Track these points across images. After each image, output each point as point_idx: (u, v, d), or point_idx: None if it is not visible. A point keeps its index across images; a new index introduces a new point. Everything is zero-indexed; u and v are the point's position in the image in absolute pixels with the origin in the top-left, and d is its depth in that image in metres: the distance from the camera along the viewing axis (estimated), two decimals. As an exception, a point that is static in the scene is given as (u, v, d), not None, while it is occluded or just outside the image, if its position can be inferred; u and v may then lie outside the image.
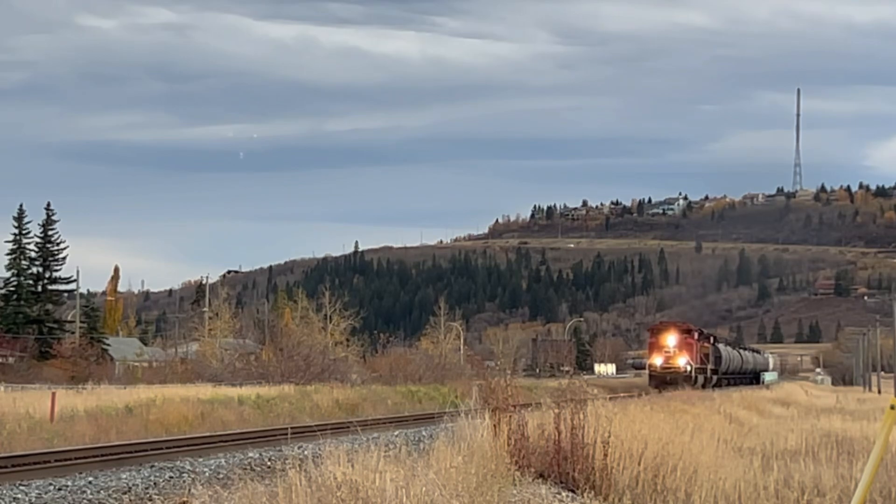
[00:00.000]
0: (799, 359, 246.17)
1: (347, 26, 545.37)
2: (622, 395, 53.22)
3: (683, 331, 77.62)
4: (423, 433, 30.12)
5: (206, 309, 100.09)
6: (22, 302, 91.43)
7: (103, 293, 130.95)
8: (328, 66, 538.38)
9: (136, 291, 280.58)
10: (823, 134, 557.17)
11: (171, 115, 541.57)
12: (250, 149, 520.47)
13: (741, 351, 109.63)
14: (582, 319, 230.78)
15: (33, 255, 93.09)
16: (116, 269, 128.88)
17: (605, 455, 17.96)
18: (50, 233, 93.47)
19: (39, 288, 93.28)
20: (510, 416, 18.37)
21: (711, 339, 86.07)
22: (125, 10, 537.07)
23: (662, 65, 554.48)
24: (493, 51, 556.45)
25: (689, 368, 74.15)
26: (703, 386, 74.58)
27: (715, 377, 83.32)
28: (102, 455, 24.71)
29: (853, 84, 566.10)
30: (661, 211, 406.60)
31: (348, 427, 28.27)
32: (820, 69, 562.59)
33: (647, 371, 76.90)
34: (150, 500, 18.79)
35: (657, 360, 75.35)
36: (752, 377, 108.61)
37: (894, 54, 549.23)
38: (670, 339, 75.46)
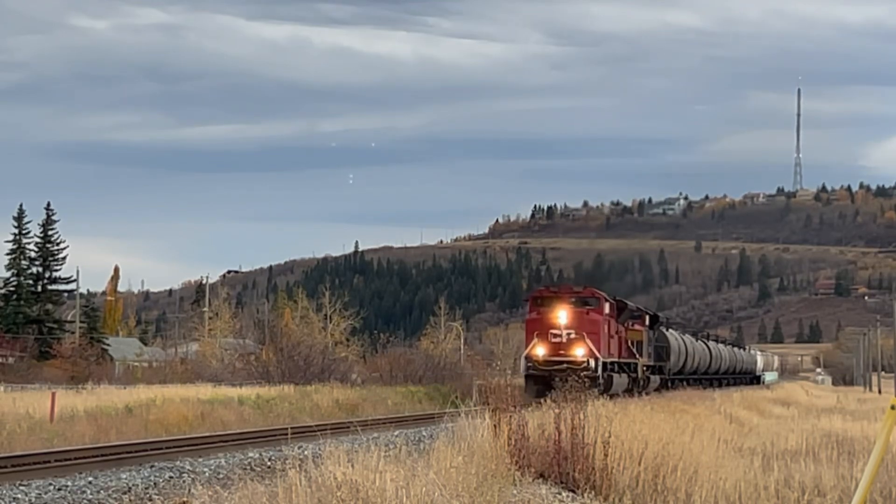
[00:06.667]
0: (799, 359, 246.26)
1: (340, 27, 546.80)
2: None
3: (584, 300, 47.56)
4: (424, 433, 30.10)
5: (206, 309, 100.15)
6: (22, 302, 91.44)
7: (103, 293, 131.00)
8: (321, 66, 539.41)
9: (136, 291, 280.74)
10: (820, 134, 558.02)
11: (166, 115, 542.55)
12: (246, 149, 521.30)
13: (710, 344, 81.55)
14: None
15: (33, 255, 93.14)
16: (116, 269, 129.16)
17: (606, 455, 17.96)
18: (50, 233, 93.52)
19: (39, 288, 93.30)
20: (510, 416, 18.36)
21: (647, 320, 56.96)
22: (118, 10, 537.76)
23: (655, 65, 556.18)
24: (486, 51, 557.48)
25: (592, 363, 45.32)
26: (632, 391, 48.96)
27: (658, 378, 58.19)
28: (102, 455, 24.68)
29: (847, 84, 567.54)
30: (661, 211, 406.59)
31: (348, 427, 28.27)
32: (814, 70, 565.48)
33: (523, 367, 46.70)
34: (150, 500, 18.76)
35: (539, 350, 45.83)
36: (734, 378, 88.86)
37: (888, 55, 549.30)
38: (561, 314, 46.19)
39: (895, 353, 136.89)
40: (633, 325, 54.04)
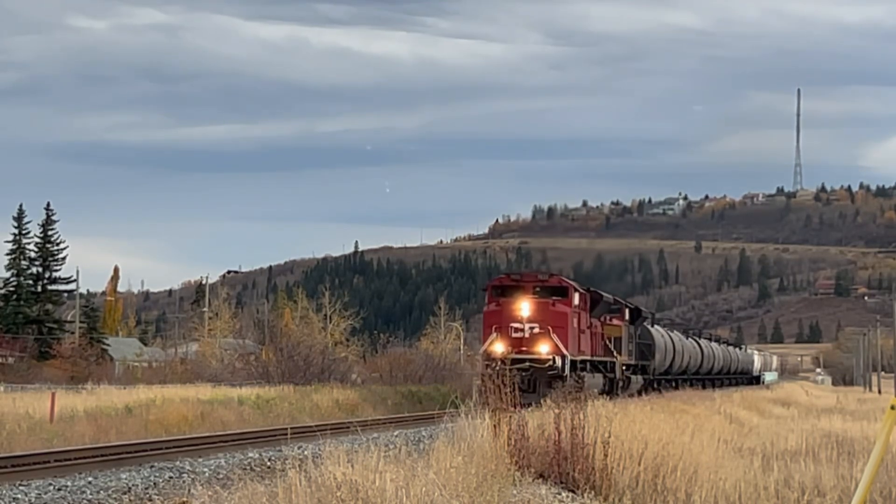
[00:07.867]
0: (799, 359, 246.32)
1: (337, 27, 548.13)
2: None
3: (550, 290, 42.06)
4: (423, 433, 30.08)
5: (205, 309, 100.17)
6: (22, 302, 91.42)
7: (103, 293, 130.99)
8: (319, 66, 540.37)
9: (135, 291, 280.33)
10: (820, 134, 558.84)
11: (165, 115, 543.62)
12: (246, 149, 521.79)
13: (701, 342, 74.96)
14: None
15: (33, 255, 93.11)
16: (116, 269, 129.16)
17: (605, 455, 17.94)
18: (50, 233, 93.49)
19: (39, 288, 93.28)
20: (510, 416, 18.35)
21: (627, 314, 51.23)
22: (116, 11, 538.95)
23: (654, 65, 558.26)
24: (484, 51, 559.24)
25: (558, 362, 40.10)
26: (608, 393, 42.55)
27: (640, 378, 53.28)
28: (102, 455, 24.69)
29: (847, 84, 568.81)
30: (661, 211, 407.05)
31: (348, 427, 28.24)
32: (812, 70, 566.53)
33: (480, 365, 41.18)
34: (150, 500, 18.76)
35: (497, 346, 39.95)
36: (729, 379, 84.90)
37: (887, 54, 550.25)
38: (523, 305, 40.76)
39: (895, 353, 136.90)
40: (610, 319, 48.56)
